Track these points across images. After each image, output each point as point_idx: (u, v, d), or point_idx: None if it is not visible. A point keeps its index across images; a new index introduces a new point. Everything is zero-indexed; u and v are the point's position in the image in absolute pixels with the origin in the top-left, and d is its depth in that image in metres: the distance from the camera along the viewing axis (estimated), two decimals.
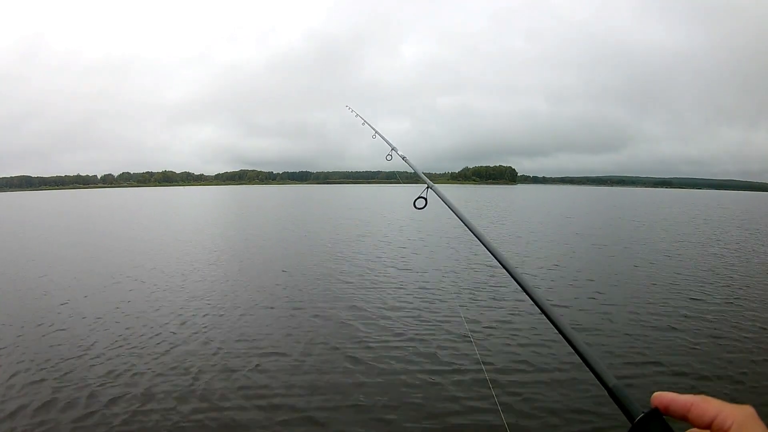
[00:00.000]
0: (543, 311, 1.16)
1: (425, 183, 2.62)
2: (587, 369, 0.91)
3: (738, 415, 0.64)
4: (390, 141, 3.07)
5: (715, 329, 7.95)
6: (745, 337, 7.58)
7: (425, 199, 2.60)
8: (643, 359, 6.72)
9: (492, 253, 1.77)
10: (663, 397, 0.72)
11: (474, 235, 2.05)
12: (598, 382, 0.88)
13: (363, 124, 4.09)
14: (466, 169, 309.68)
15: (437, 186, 2.63)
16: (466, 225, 2.15)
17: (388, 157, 3.03)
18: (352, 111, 4.74)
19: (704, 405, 0.67)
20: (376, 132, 3.53)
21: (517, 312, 8.90)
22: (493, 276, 11.75)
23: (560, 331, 1.03)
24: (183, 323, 8.43)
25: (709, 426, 0.66)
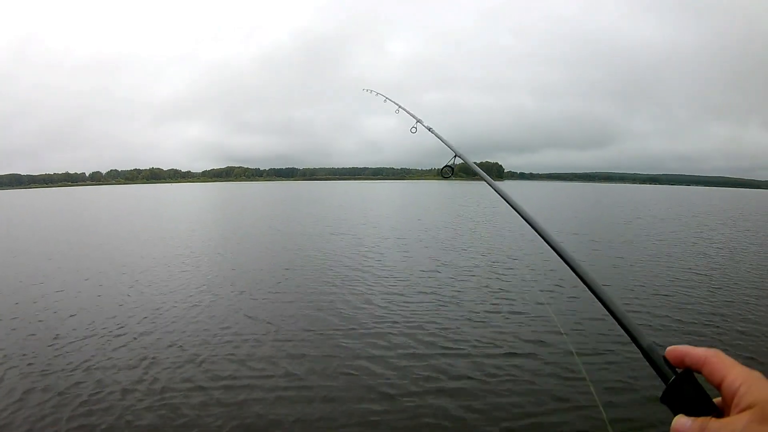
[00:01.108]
0: (574, 270, 1.09)
1: (453, 152, 2.68)
2: (621, 331, 0.88)
3: (747, 377, 0.65)
4: (414, 114, 3.14)
5: (695, 340, 7.37)
6: (728, 349, 7.09)
7: (451, 168, 2.66)
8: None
9: (541, 236, 1.74)
10: (677, 350, 0.74)
11: (510, 206, 2.02)
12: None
13: (385, 101, 4.15)
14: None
15: (465, 155, 2.68)
16: (500, 195, 2.13)
17: (413, 130, 3.10)
18: (370, 92, 4.78)
19: (716, 363, 0.69)
20: (399, 106, 3.60)
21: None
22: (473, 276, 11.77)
23: (593, 291, 1.01)
24: (145, 318, 8.68)
25: (719, 385, 0.67)
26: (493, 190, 1.92)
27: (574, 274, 1.12)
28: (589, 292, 1.02)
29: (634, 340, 0.84)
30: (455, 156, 2.65)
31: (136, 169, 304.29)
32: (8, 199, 76.78)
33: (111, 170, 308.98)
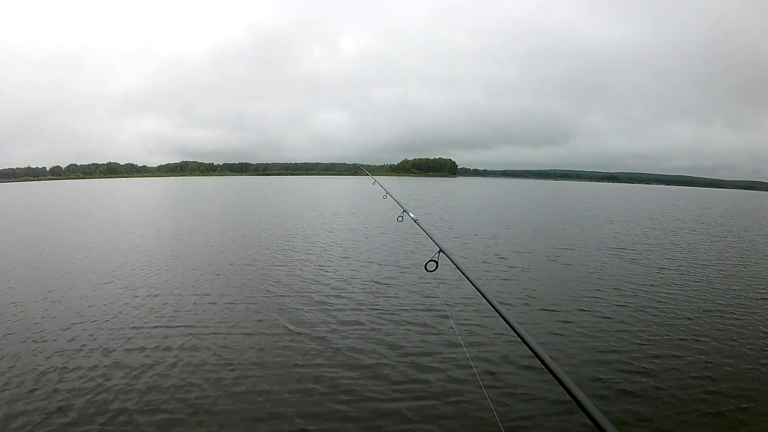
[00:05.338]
0: (544, 364, 1.26)
1: (437, 246, 2.86)
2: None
3: None
4: (401, 203, 3.31)
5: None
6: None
7: (436, 262, 2.81)
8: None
9: (507, 323, 2.01)
10: None
11: (487, 300, 2.31)
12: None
13: (373, 183, 4.34)
14: (406, 161, 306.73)
15: (448, 249, 2.88)
16: (478, 290, 2.42)
17: (399, 219, 3.26)
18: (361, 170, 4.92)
19: None
20: (387, 193, 3.75)
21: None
22: None
23: (560, 383, 1.15)
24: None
25: None
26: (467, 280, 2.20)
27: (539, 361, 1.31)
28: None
29: (597, 425, 0.94)
30: (440, 251, 2.84)
31: (94, 164, 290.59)
32: None
33: (70, 164, 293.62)
